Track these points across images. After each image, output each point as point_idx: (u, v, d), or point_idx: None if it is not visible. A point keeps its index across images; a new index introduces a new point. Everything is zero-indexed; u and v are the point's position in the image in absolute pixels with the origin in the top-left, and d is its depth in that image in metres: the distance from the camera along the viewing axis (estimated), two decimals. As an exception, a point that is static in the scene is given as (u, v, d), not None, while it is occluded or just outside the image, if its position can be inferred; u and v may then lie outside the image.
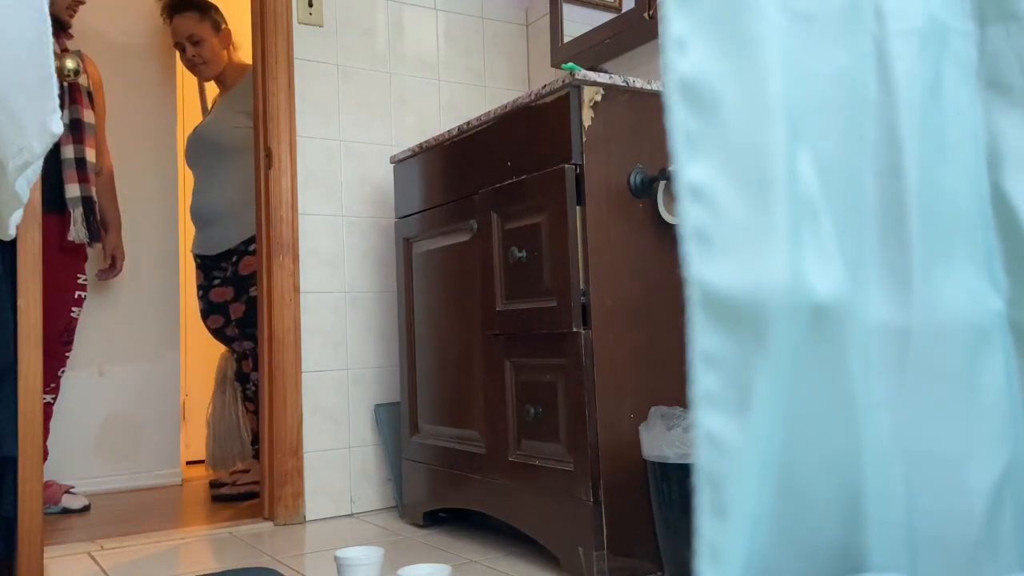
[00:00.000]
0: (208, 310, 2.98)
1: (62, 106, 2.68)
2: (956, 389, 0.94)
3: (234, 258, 2.90)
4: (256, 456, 2.93)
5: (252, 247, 2.82)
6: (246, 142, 2.78)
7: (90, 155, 2.74)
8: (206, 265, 2.99)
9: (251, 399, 3.00)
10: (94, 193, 2.74)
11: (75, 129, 2.70)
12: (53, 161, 2.65)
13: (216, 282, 2.95)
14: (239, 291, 2.88)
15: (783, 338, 0.80)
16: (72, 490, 2.84)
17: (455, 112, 2.82)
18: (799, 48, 0.88)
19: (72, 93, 2.72)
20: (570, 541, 1.70)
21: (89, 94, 2.81)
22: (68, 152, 2.68)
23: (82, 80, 2.76)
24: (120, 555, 2.14)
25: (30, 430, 1.78)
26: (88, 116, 2.76)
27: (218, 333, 3.02)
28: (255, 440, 2.99)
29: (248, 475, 2.92)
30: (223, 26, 3.04)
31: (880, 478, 0.90)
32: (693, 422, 0.80)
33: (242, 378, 3.02)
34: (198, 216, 3.00)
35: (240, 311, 2.87)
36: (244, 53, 3.04)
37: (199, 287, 3.02)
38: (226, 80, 3.05)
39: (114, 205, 2.98)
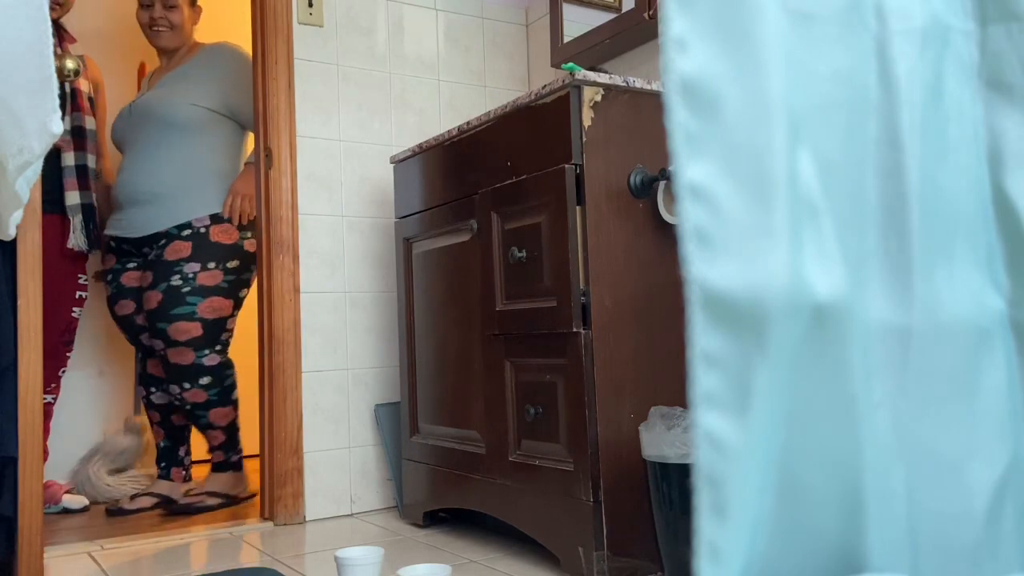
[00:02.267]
0: (118, 294, 2.72)
1: (64, 112, 2.68)
2: (957, 389, 0.93)
3: (162, 241, 2.64)
4: (164, 475, 2.78)
5: (185, 232, 2.62)
6: (201, 121, 2.67)
7: (91, 161, 2.74)
8: (122, 250, 2.73)
9: (157, 408, 2.78)
10: (95, 199, 2.74)
11: (76, 135, 2.70)
12: (54, 163, 2.65)
13: (131, 266, 2.73)
14: (158, 277, 2.60)
15: (783, 338, 0.80)
16: (72, 490, 2.84)
17: (455, 112, 2.82)
18: (800, 48, 0.88)
19: (74, 99, 2.72)
20: (570, 541, 1.70)
21: (90, 99, 2.81)
22: (69, 159, 2.67)
23: (83, 85, 2.75)
24: (120, 555, 2.14)
25: (30, 430, 1.78)
26: (89, 122, 2.76)
27: (125, 322, 2.74)
28: (162, 457, 2.80)
29: (199, 487, 2.76)
30: (197, 3, 2.89)
31: (881, 478, 0.90)
32: (693, 422, 0.79)
33: (147, 381, 2.78)
34: (128, 195, 2.69)
35: (156, 300, 2.58)
36: (199, 35, 2.93)
37: (109, 271, 2.75)
38: (173, 54, 2.87)
39: (110, 208, 2.97)
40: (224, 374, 2.66)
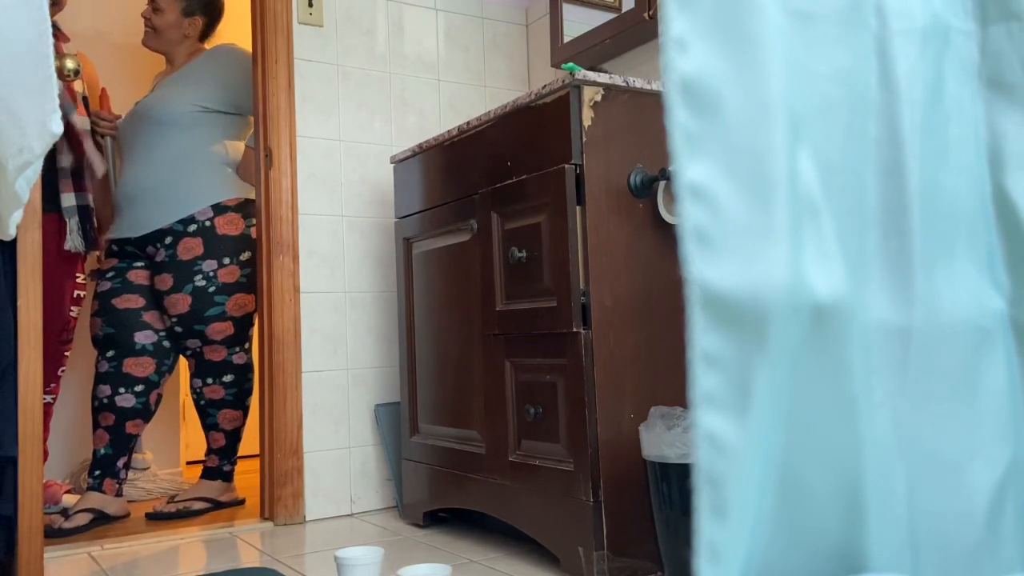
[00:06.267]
0: (123, 288, 2.63)
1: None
2: (958, 389, 0.93)
3: (167, 239, 2.59)
4: (96, 487, 2.55)
5: (191, 227, 2.58)
6: (198, 118, 2.65)
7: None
8: (125, 251, 2.67)
9: (117, 411, 2.56)
10: (91, 200, 2.73)
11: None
12: (50, 164, 2.64)
13: (138, 264, 2.67)
14: (181, 280, 2.57)
15: (784, 338, 0.80)
16: (72, 490, 2.83)
17: (455, 112, 2.82)
18: (800, 48, 0.88)
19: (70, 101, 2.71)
20: (570, 541, 1.70)
21: (85, 98, 2.80)
22: (64, 161, 2.66)
23: (77, 86, 2.75)
24: (120, 555, 2.14)
25: (30, 430, 1.78)
26: (83, 123, 2.76)
27: (123, 315, 2.60)
28: (97, 466, 2.56)
29: (189, 491, 2.70)
30: (196, 16, 2.80)
31: (881, 478, 0.90)
32: (693, 422, 0.79)
33: (117, 380, 2.59)
34: (127, 194, 2.66)
35: (186, 304, 2.57)
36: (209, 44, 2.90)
37: (111, 268, 2.67)
38: (175, 60, 2.82)
39: (109, 207, 2.96)
40: (246, 376, 2.69)
